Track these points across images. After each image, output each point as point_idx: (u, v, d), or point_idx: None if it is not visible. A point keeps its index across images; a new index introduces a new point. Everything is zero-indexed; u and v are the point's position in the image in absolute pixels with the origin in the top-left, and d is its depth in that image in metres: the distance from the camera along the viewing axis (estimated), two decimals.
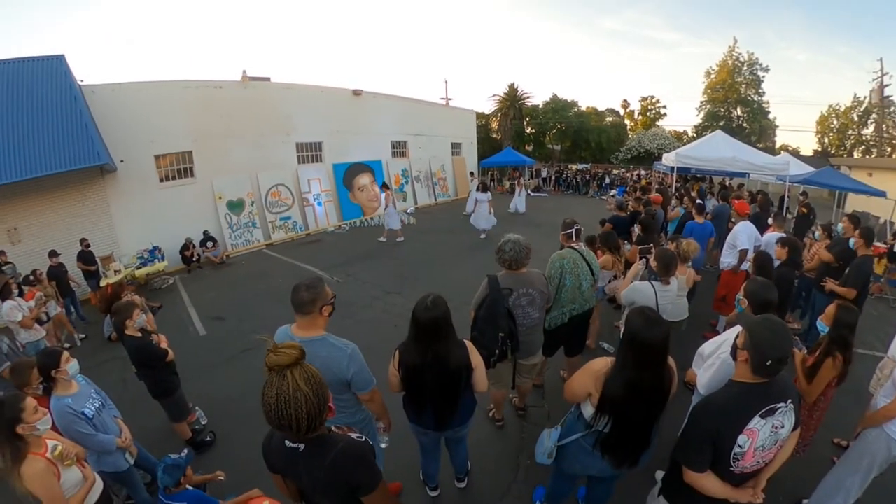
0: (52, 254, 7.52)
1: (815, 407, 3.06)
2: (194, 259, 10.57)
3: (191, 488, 2.86)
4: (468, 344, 2.63)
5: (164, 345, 3.94)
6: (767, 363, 1.79)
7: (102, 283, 8.14)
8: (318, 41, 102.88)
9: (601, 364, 2.23)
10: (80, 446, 2.55)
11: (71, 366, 2.78)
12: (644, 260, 4.22)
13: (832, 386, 2.99)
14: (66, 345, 6.71)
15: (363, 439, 1.64)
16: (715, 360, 2.60)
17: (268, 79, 13.95)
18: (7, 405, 2.20)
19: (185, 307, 8.02)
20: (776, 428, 1.90)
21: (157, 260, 9.92)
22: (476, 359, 2.61)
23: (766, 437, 1.89)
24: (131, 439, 3.06)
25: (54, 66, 9.12)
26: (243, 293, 8.57)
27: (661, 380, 2.10)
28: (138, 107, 10.20)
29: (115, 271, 8.47)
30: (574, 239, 4.13)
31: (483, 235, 11.93)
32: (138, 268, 9.53)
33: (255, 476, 3.63)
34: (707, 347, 2.78)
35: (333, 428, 1.66)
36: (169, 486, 2.67)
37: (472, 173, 17.48)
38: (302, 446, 1.51)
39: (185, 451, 2.90)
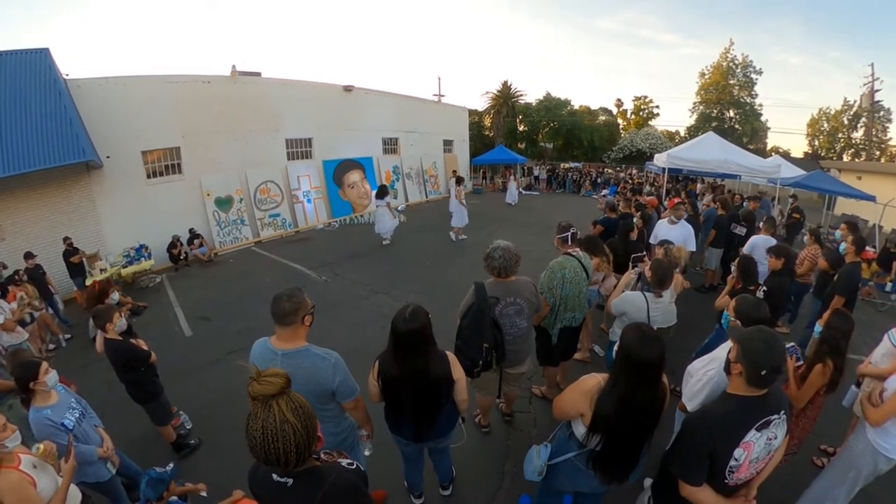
0: (28, 255, 7.29)
1: (803, 415, 3.03)
2: (182, 257, 10.44)
3: (174, 498, 2.85)
4: (450, 356, 2.59)
5: (144, 347, 3.89)
6: (762, 373, 1.78)
7: (88, 283, 8.02)
8: (309, 37, 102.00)
9: (593, 382, 2.17)
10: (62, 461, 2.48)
11: (50, 377, 2.69)
12: (636, 269, 4.13)
13: (821, 394, 2.97)
14: (52, 345, 6.62)
15: (354, 466, 1.60)
16: (702, 377, 2.57)
17: (258, 74, 13.81)
18: None
19: (171, 307, 7.92)
20: (770, 439, 1.91)
21: (143, 258, 9.76)
22: (458, 372, 2.57)
23: (760, 448, 1.90)
24: (113, 449, 3.01)
25: (38, 60, 8.94)
26: (231, 292, 8.48)
27: (655, 398, 2.06)
28: (125, 102, 9.99)
29: (101, 270, 8.32)
30: (569, 243, 3.98)
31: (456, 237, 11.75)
32: (124, 266, 9.38)
33: (240, 481, 3.65)
34: (695, 365, 2.75)
35: (322, 455, 1.61)
36: (151, 499, 2.65)
37: (454, 172, 17.60)
38: (290, 481, 1.43)
39: (171, 465, 2.88)
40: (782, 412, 1.93)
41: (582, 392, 2.17)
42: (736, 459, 1.86)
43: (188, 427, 4.40)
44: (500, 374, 3.47)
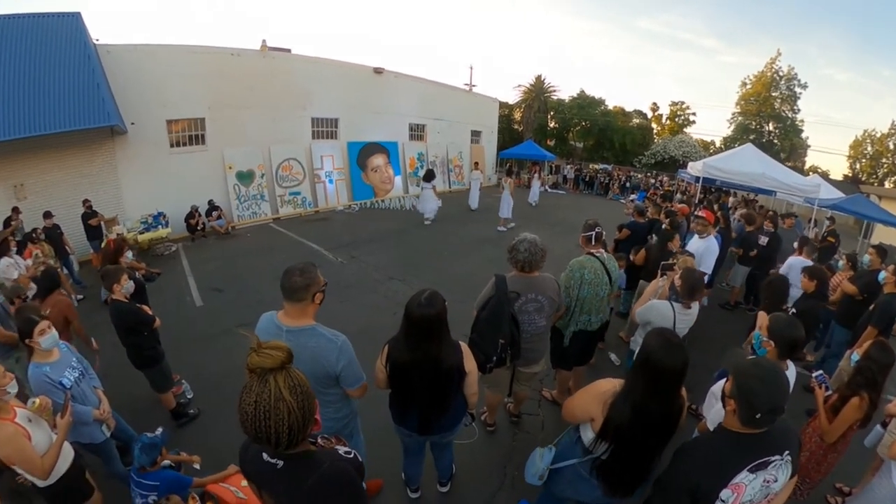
0: (47, 215, 7.32)
1: (833, 449, 2.84)
2: (199, 228, 10.51)
3: (167, 462, 2.76)
4: (463, 347, 2.46)
5: (148, 311, 3.85)
6: (757, 416, 1.58)
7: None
8: (339, 17, 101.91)
9: (608, 386, 2.05)
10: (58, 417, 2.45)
11: (45, 339, 2.65)
12: (664, 276, 3.92)
13: (853, 429, 2.80)
14: None
15: (351, 455, 1.48)
16: None
17: (288, 50, 13.75)
18: None
19: (184, 276, 7.96)
20: (768, 482, 1.68)
21: (160, 226, 9.85)
22: (470, 364, 2.44)
23: (755, 491, 1.68)
24: (110, 411, 2.98)
25: (70, 23, 8.98)
26: (245, 266, 8.48)
27: (671, 409, 1.93)
28: (153, 70, 10.03)
29: (118, 234, 8.39)
30: (593, 243, 3.78)
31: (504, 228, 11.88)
32: (141, 232, 9.49)
33: (235, 456, 3.55)
34: (718, 386, 2.57)
35: (320, 440, 1.51)
36: (145, 465, 2.59)
37: (476, 164, 17.12)
38: (281, 463, 1.34)
39: (160, 429, 2.79)
40: (786, 452, 1.69)
41: (595, 395, 2.06)
42: (723, 501, 1.65)
43: (189, 396, 4.36)
44: (512, 373, 3.39)
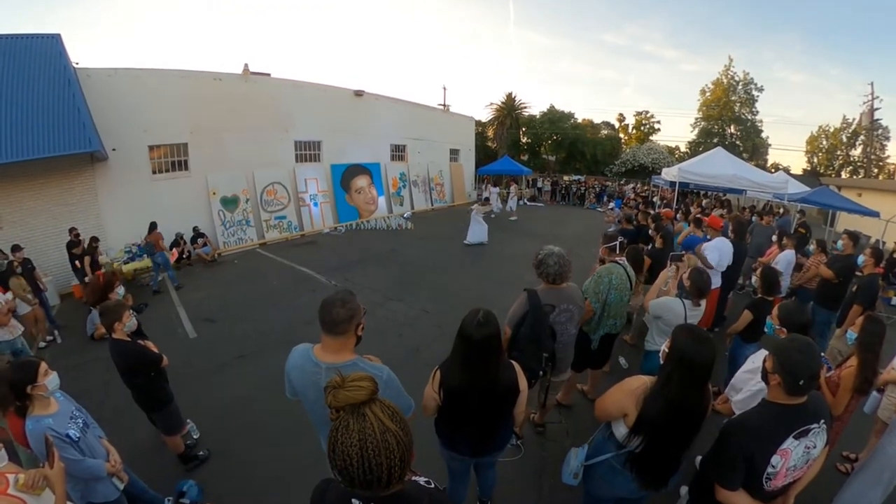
0: (16, 248, 6.74)
1: (838, 420, 3.00)
2: (185, 256, 10.17)
3: None
4: (516, 365, 2.38)
5: (154, 349, 3.56)
6: (800, 383, 1.78)
7: (88, 277, 7.63)
8: (318, 42, 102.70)
9: (638, 382, 2.13)
10: (46, 468, 2.07)
11: (50, 380, 2.34)
12: (674, 267, 4.16)
13: (856, 399, 3.02)
14: (41, 344, 6.21)
15: (432, 485, 1.37)
16: (752, 388, 2.66)
17: (268, 75, 13.65)
18: None
19: (173, 307, 7.60)
20: (808, 448, 1.89)
21: (145, 255, 9.42)
22: (523, 382, 2.37)
23: (798, 456, 1.88)
24: (121, 463, 2.67)
25: (49, 46, 8.72)
26: (236, 294, 8.19)
27: (702, 400, 2.02)
28: (134, 94, 9.80)
29: (102, 264, 8.01)
30: (617, 252, 4.03)
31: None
32: (125, 262, 9.11)
33: (254, 495, 3.37)
34: (738, 377, 2.85)
35: None
36: None
37: (486, 200, 16.64)
38: None
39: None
40: (822, 421, 1.91)
41: (627, 392, 2.13)
42: (773, 466, 1.86)
43: (195, 437, 4.07)
44: (548, 384, 3.42)
